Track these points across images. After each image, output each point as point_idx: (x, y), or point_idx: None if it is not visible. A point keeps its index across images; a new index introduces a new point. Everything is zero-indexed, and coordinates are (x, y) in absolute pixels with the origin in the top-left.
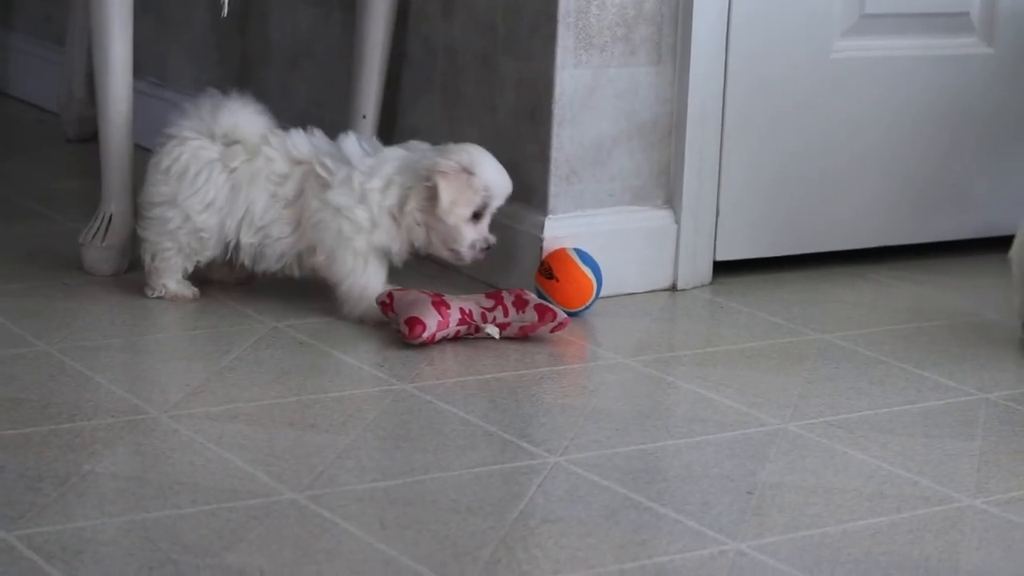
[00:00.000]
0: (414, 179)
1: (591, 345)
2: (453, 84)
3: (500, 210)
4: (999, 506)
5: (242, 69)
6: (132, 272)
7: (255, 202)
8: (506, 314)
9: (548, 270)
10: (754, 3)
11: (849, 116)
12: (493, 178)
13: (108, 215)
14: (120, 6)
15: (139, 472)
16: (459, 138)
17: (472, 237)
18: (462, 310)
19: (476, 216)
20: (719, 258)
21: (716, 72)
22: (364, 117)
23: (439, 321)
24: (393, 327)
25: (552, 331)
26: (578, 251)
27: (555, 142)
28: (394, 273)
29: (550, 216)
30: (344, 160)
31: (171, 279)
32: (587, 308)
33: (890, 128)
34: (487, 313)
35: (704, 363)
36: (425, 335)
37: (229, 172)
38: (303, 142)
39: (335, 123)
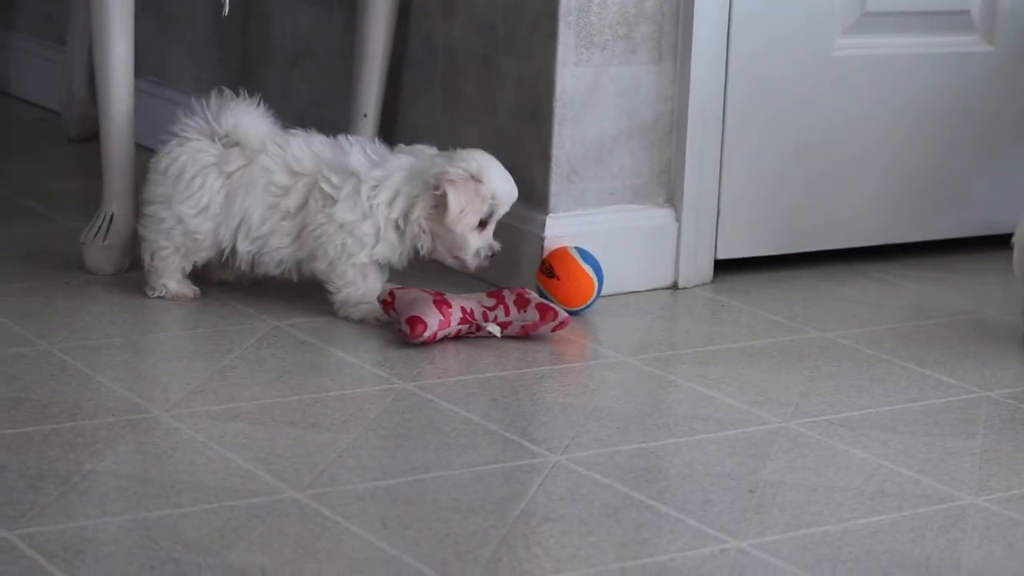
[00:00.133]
0: (421, 187)
1: (592, 344)
2: (454, 83)
3: None
4: (1000, 504)
5: (243, 68)
6: (133, 271)
7: (252, 211)
8: (507, 313)
9: (549, 269)
10: (755, 1)
11: (850, 114)
12: (500, 185)
13: (109, 214)
14: (121, 5)
15: (140, 471)
16: (460, 137)
17: (477, 245)
18: (463, 309)
19: (481, 224)
20: (720, 256)
21: (717, 70)
22: (365, 116)
23: (440, 320)
24: (395, 326)
25: (553, 330)
26: (579, 250)
27: (556, 141)
28: (396, 272)
29: (551, 215)
30: (349, 171)
31: (171, 279)
32: (588, 307)
33: (891, 126)
34: (488, 312)
35: (705, 361)
36: (426, 334)
37: (225, 177)
38: (305, 153)
39: (336, 122)
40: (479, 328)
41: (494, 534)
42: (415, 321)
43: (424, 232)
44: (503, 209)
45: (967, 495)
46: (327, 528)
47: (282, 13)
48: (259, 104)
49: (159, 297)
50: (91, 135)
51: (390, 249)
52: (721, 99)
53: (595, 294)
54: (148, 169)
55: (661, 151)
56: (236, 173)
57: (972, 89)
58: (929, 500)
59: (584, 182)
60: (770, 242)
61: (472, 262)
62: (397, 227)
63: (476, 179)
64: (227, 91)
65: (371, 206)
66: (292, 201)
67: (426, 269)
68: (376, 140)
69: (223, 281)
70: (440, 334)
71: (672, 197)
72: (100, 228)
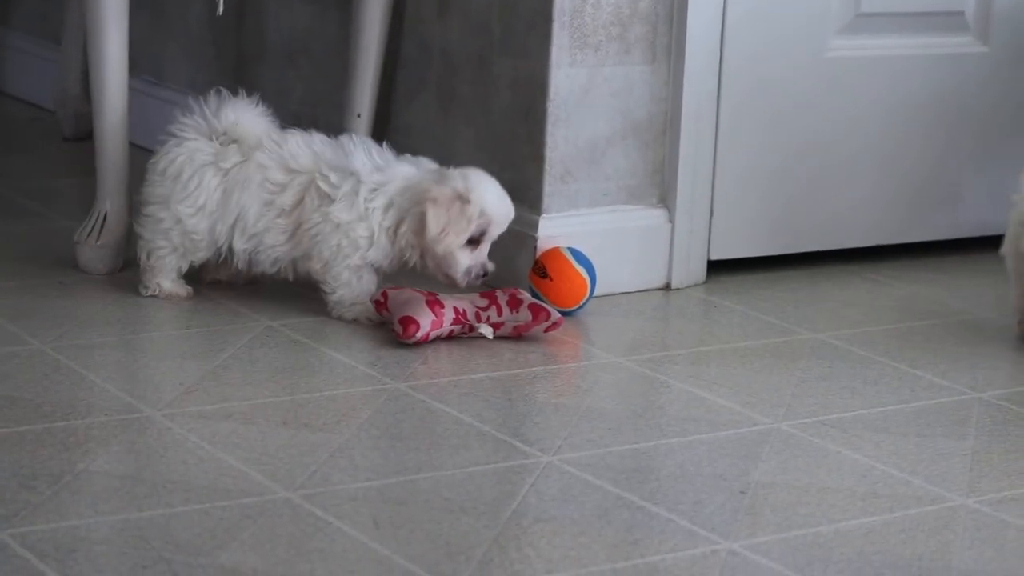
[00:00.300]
0: (410, 203)
1: (585, 344)
2: (448, 83)
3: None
4: (991, 505)
5: (237, 67)
6: (127, 271)
7: (247, 208)
8: (500, 313)
9: (542, 269)
10: (749, 2)
11: (844, 115)
12: (492, 204)
13: (103, 213)
14: (115, 4)
15: (133, 471)
16: (454, 138)
17: (467, 264)
18: (456, 309)
19: (474, 242)
20: (713, 257)
21: (711, 71)
22: (359, 116)
23: (433, 320)
24: (388, 326)
25: (546, 331)
26: (572, 250)
27: (549, 141)
28: (390, 271)
29: (544, 215)
30: (351, 172)
31: (166, 278)
32: (581, 307)
33: (885, 127)
34: (481, 312)
35: (698, 362)
36: (419, 334)
37: (223, 175)
38: (303, 151)
39: (331, 121)
40: (472, 329)
41: (486, 534)
42: (408, 321)
43: (412, 247)
44: (497, 228)
45: (958, 496)
46: (319, 528)
47: (277, 11)
48: (258, 103)
49: (152, 296)
50: (85, 134)
51: (382, 254)
52: (715, 100)
53: (588, 295)
54: (146, 169)
55: (655, 152)
56: (233, 170)
57: (966, 90)
58: (920, 501)
59: (577, 182)
60: (763, 243)
61: (462, 280)
62: (389, 236)
63: (463, 199)
64: (225, 91)
65: (367, 209)
66: (288, 199)
67: (421, 269)
68: (383, 144)
69: (217, 281)
70: (433, 334)
71: (665, 198)
72: (94, 227)
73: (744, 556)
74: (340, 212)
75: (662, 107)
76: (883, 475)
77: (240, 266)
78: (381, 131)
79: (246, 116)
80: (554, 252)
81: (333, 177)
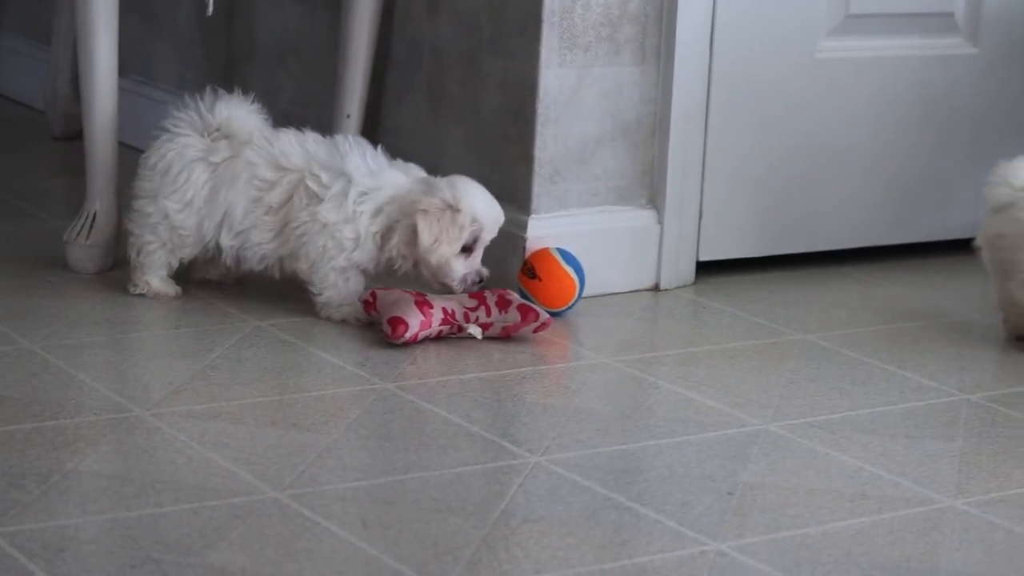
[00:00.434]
0: (400, 214)
1: (573, 345)
2: (438, 83)
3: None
4: (980, 507)
5: (227, 67)
6: (116, 270)
7: (234, 204)
8: (489, 314)
9: (531, 270)
10: (739, 3)
11: (834, 116)
12: (482, 210)
13: (92, 213)
14: (105, 4)
15: (122, 470)
16: (444, 137)
17: (463, 271)
18: (445, 310)
19: (467, 249)
20: (702, 258)
21: (700, 72)
22: (348, 116)
23: (422, 321)
24: (377, 326)
25: (535, 331)
26: (561, 251)
27: (539, 142)
28: (379, 272)
29: (533, 216)
30: (342, 172)
31: (155, 276)
32: (570, 308)
33: (874, 128)
34: (470, 313)
35: (686, 363)
36: (408, 335)
37: (211, 170)
38: (295, 149)
39: (321, 121)
40: (460, 329)
41: (474, 535)
42: (396, 322)
43: (404, 258)
44: (489, 234)
45: (947, 498)
46: (308, 528)
47: (266, 12)
48: (252, 100)
49: (140, 294)
50: (75, 134)
51: (367, 257)
52: (704, 101)
53: (576, 295)
54: (138, 164)
55: (644, 153)
56: (222, 165)
57: (956, 91)
58: (909, 503)
59: (567, 183)
60: (752, 244)
61: (459, 288)
62: (375, 241)
63: (453, 208)
64: (220, 89)
65: (355, 212)
66: (276, 196)
67: (413, 279)
68: (378, 147)
69: (206, 280)
70: (421, 335)
71: (655, 199)
72: (83, 227)
73: (732, 557)
74: (327, 212)
75: (651, 108)
76: (871, 476)
77: (228, 263)
78: (371, 131)
79: (239, 112)
80: (543, 253)
81: (324, 177)
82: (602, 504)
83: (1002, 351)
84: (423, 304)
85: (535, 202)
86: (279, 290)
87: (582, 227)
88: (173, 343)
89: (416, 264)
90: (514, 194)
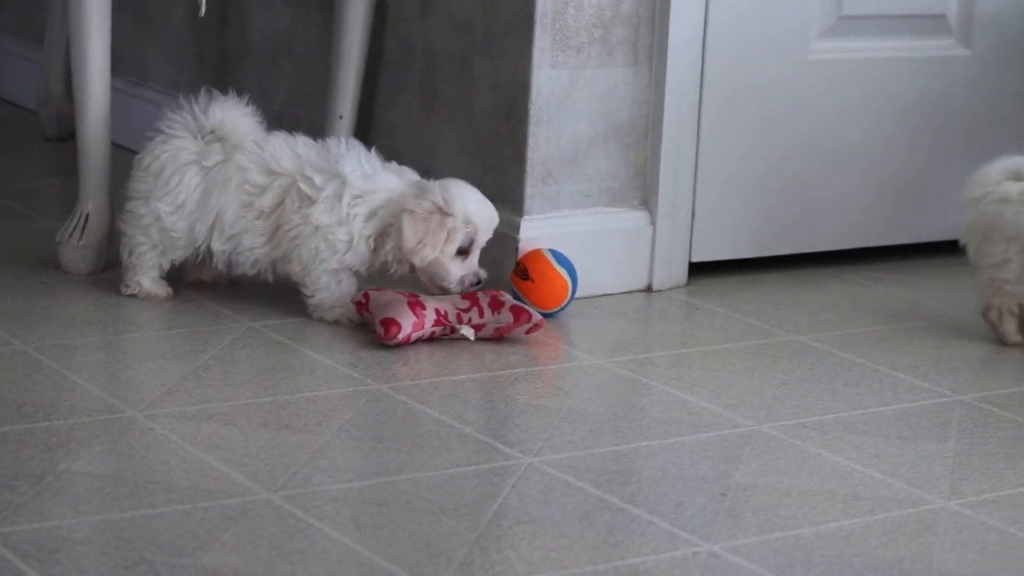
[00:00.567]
0: (393, 217)
1: (566, 346)
2: (430, 84)
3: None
4: (972, 508)
5: (220, 67)
6: (109, 271)
7: (225, 209)
8: (481, 315)
9: (524, 271)
10: (732, 4)
11: (826, 118)
12: (476, 212)
13: (85, 214)
14: (98, 4)
15: (114, 471)
16: (436, 138)
17: (460, 274)
18: (437, 311)
19: (463, 252)
20: (695, 259)
21: (693, 73)
22: (341, 117)
23: (414, 322)
24: (369, 328)
25: (527, 332)
26: (553, 252)
27: (531, 143)
28: (371, 273)
29: (526, 217)
30: (336, 175)
31: (146, 276)
32: (562, 309)
33: (867, 129)
34: (462, 314)
35: (679, 364)
36: (400, 336)
37: (204, 174)
38: (285, 153)
39: (313, 122)
40: (453, 330)
41: (467, 536)
42: (389, 323)
43: (400, 262)
44: (484, 235)
45: (939, 499)
46: (300, 529)
47: (259, 13)
48: (247, 102)
49: (132, 295)
50: (68, 134)
51: (359, 260)
52: (697, 102)
53: (569, 296)
54: (132, 165)
55: (636, 154)
56: (214, 169)
57: (948, 93)
58: (901, 504)
59: (559, 184)
60: (745, 245)
61: (456, 290)
62: (368, 244)
63: (442, 212)
64: (215, 91)
65: (349, 214)
66: (267, 200)
67: (410, 283)
68: (372, 150)
69: (199, 281)
70: (414, 336)
71: (647, 200)
72: (76, 228)
73: (725, 558)
74: (320, 214)
75: (644, 109)
76: (864, 477)
77: (220, 267)
78: (364, 132)
79: (233, 115)
80: (535, 254)
81: (317, 179)
82: (595, 505)
83: (995, 352)
84: (416, 305)
85: (527, 203)
86: (272, 291)
87: (574, 228)
88: (166, 344)
89: (413, 268)
90: (507, 195)
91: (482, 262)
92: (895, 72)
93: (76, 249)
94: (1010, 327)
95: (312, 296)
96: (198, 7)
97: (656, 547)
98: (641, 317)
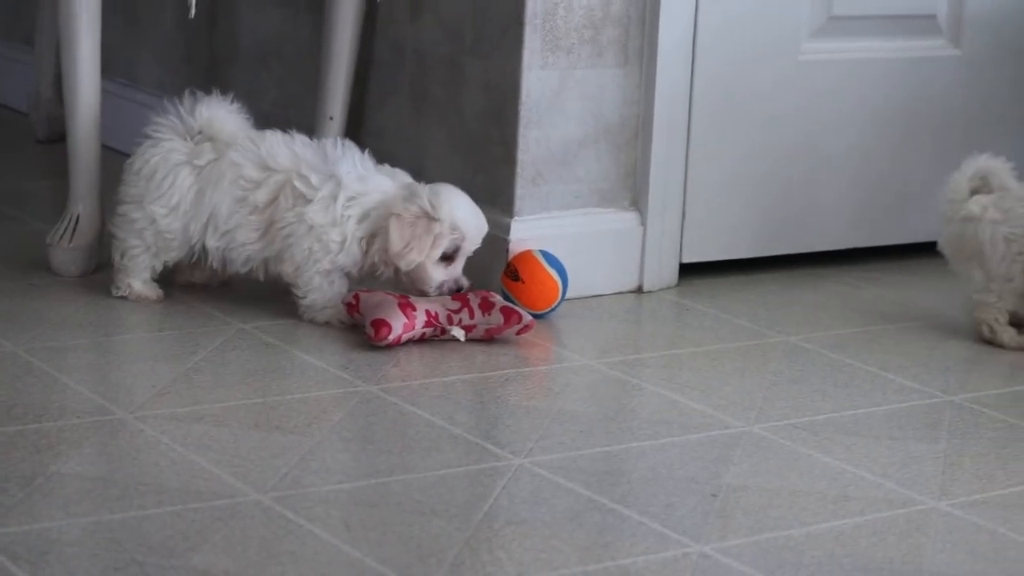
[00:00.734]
0: (383, 219)
1: (556, 347)
2: (421, 86)
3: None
4: (963, 508)
5: (210, 69)
6: (99, 273)
7: (219, 205)
8: (472, 316)
9: (514, 272)
10: (722, 5)
11: (816, 118)
12: (464, 219)
13: (75, 216)
14: (88, 7)
15: (105, 473)
16: (427, 140)
17: (441, 279)
18: (428, 312)
19: (448, 258)
20: (685, 260)
21: (683, 74)
22: (331, 119)
23: (405, 323)
24: (360, 329)
25: (518, 333)
26: (544, 253)
27: (521, 144)
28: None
29: (516, 218)
30: (332, 175)
31: (137, 279)
32: (553, 310)
33: (857, 130)
34: (453, 315)
35: (669, 365)
36: (391, 337)
37: (196, 173)
38: (282, 150)
39: (303, 123)
40: (443, 331)
41: (457, 537)
42: (380, 324)
43: (386, 264)
44: (471, 244)
45: (930, 499)
46: (291, 531)
47: (249, 14)
48: (232, 101)
49: (123, 297)
50: (58, 136)
51: (352, 261)
52: (687, 103)
53: (559, 297)
54: (123, 170)
55: (627, 155)
56: (206, 168)
57: (938, 94)
58: (892, 504)
59: (549, 185)
60: (735, 246)
61: (434, 295)
62: (360, 245)
63: (430, 216)
64: (199, 92)
65: (343, 215)
66: (261, 196)
67: (394, 285)
68: (366, 151)
69: (190, 283)
70: (404, 337)
71: (637, 201)
72: (66, 230)
73: (715, 559)
74: (315, 214)
75: (634, 110)
76: (854, 478)
77: (214, 265)
78: (354, 133)
79: (219, 113)
80: (526, 255)
81: (313, 178)
82: (585, 506)
83: (985, 352)
84: (406, 306)
85: (518, 204)
86: (263, 293)
87: (565, 229)
88: (156, 346)
89: (398, 271)
90: (497, 196)
91: (471, 263)
92: (885, 72)
93: (67, 251)
94: (1006, 335)
95: (304, 297)
96: (188, 9)
97: (646, 548)
98: (631, 318)
